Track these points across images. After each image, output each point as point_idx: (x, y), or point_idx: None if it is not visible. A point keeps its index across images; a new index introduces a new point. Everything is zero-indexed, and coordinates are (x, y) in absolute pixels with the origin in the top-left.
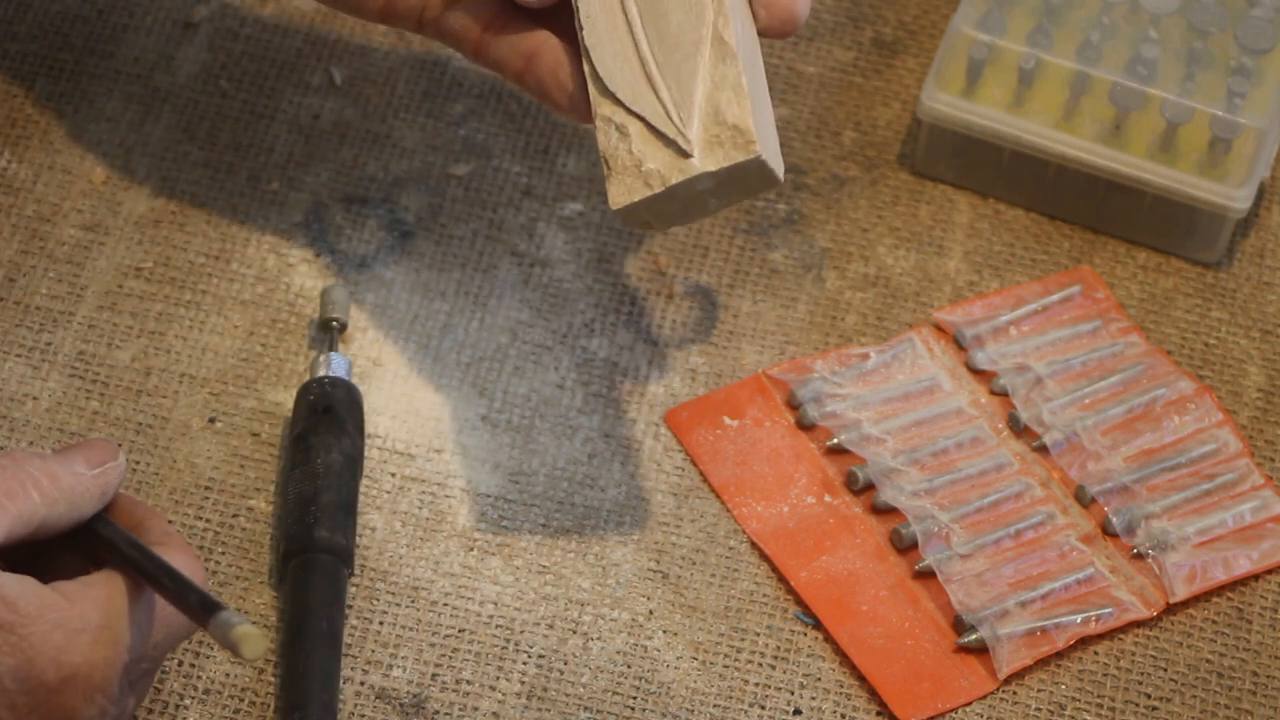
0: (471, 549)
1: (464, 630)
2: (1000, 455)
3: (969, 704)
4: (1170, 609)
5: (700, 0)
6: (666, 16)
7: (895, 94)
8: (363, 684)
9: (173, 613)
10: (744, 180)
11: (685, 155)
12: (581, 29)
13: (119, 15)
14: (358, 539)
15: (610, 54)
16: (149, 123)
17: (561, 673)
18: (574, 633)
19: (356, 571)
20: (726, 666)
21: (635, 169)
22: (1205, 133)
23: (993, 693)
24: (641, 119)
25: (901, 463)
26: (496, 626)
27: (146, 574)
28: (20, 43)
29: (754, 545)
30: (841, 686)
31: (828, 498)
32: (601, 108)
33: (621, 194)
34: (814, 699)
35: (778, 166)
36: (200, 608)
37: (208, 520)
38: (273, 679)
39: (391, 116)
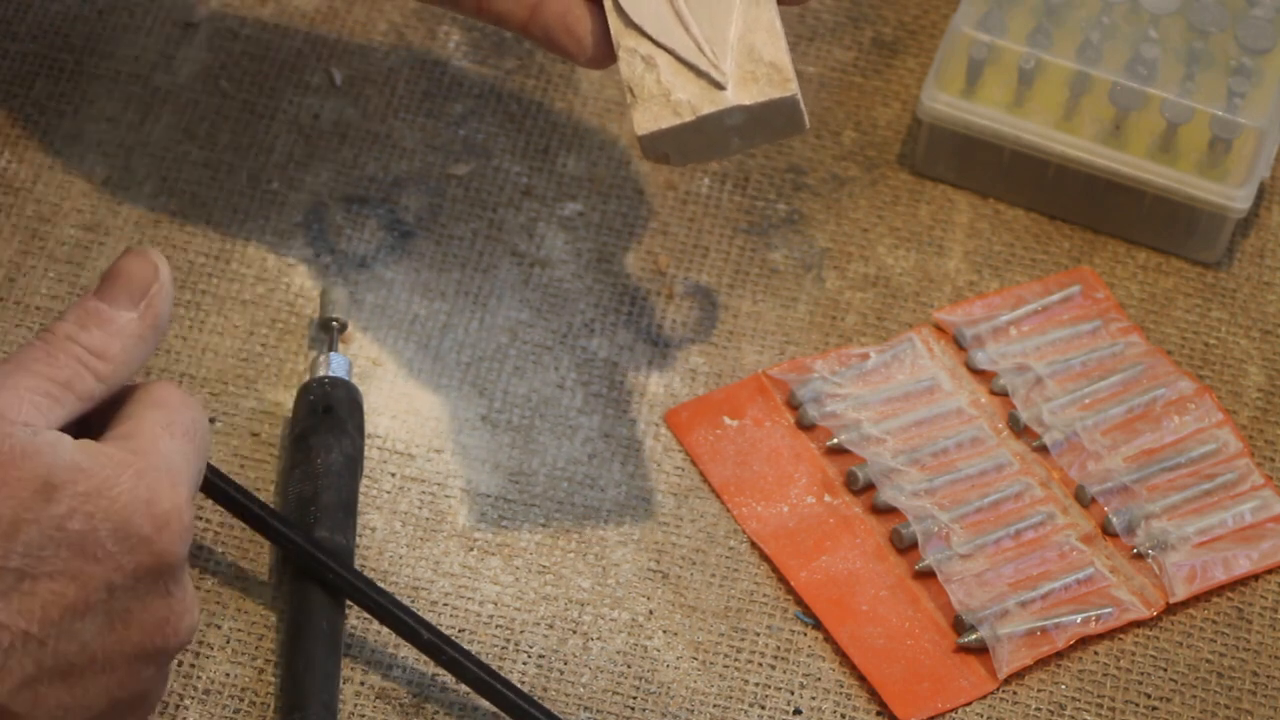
0: (471, 549)
1: (464, 630)
2: (1000, 455)
3: (969, 704)
4: (1170, 609)
5: None
6: None
7: (895, 94)
8: (363, 684)
9: (201, 428)
10: (774, 120)
11: (719, 87)
12: None
13: (119, 15)
14: (358, 539)
15: None
16: (149, 123)
17: (561, 673)
18: (574, 633)
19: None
20: (726, 666)
21: (664, 98)
22: (1205, 133)
23: (993, 693)
24: (671, 52)
25: (901, 463)
26: (496, 626)
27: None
28: (20, 43)
29: (754, 545)
30: (841, 686)
31: (828, 498)
32: (625, 39)
33: (648, 120)
34: (814, 699)
35: (806, 111)
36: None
37: (208, 520)
38: (273, 679)
39: (391, 116)
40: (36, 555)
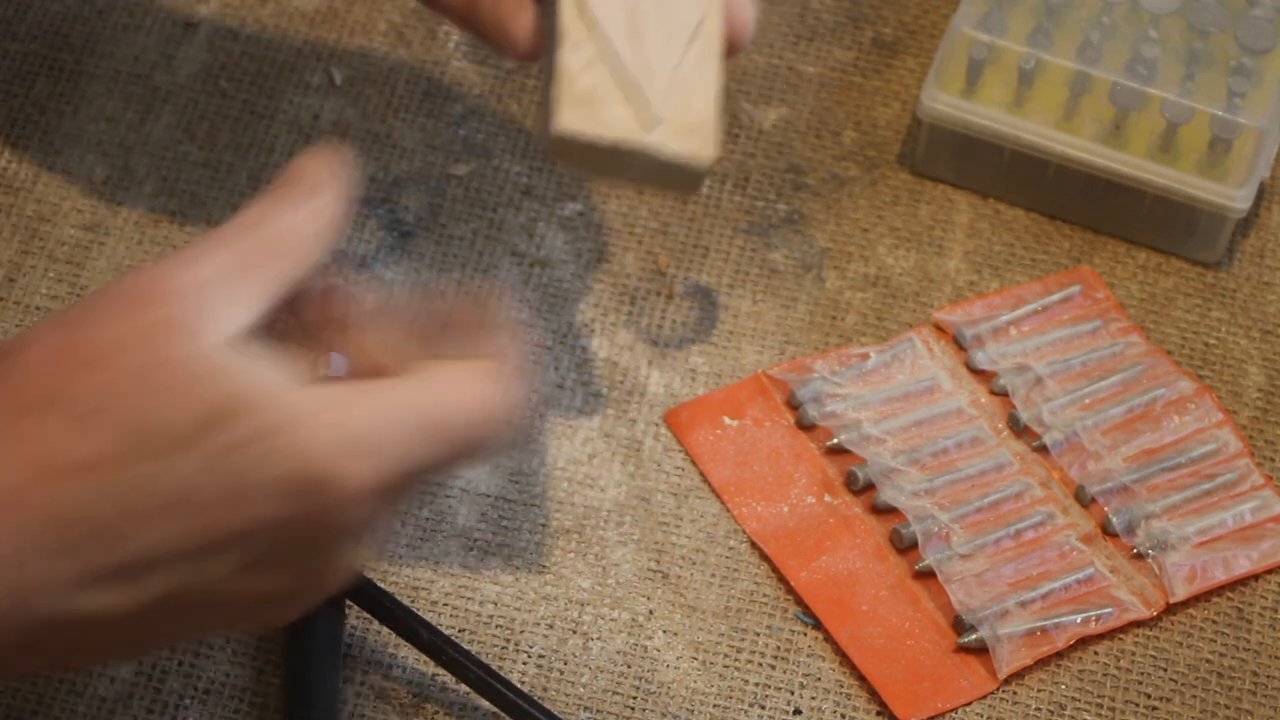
0: (471, 549)
1: (464, 630)
2: (1000, 455)
3: (969, 704)
4: (1170, 609)
5: None
6: None
7: (895, 94)
8: (363, 684)
9: (455, 426)
10: (677, 177)
11: (649, 123)
12: None
13: (119, 15)
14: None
15: None
16: (149, 123)
17: (561, 673)
18: (574, 633)
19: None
20: (726, 666)
21: (592, 105)
22: (1205, 133)
23: (993, 693)
24: (619, 63)
25: (901, 463)
26: (496, 626)
27: None
28: (20, 43)
29: (754, 545)
30: (841, 686)
31: (828, 498)
32: (576, 29)
33: (571, 121)
34: (814, 699)
35: (706, 179)
36: None
37: None
38: (273, 679)
39: (391, 116)
40: (197, 479)
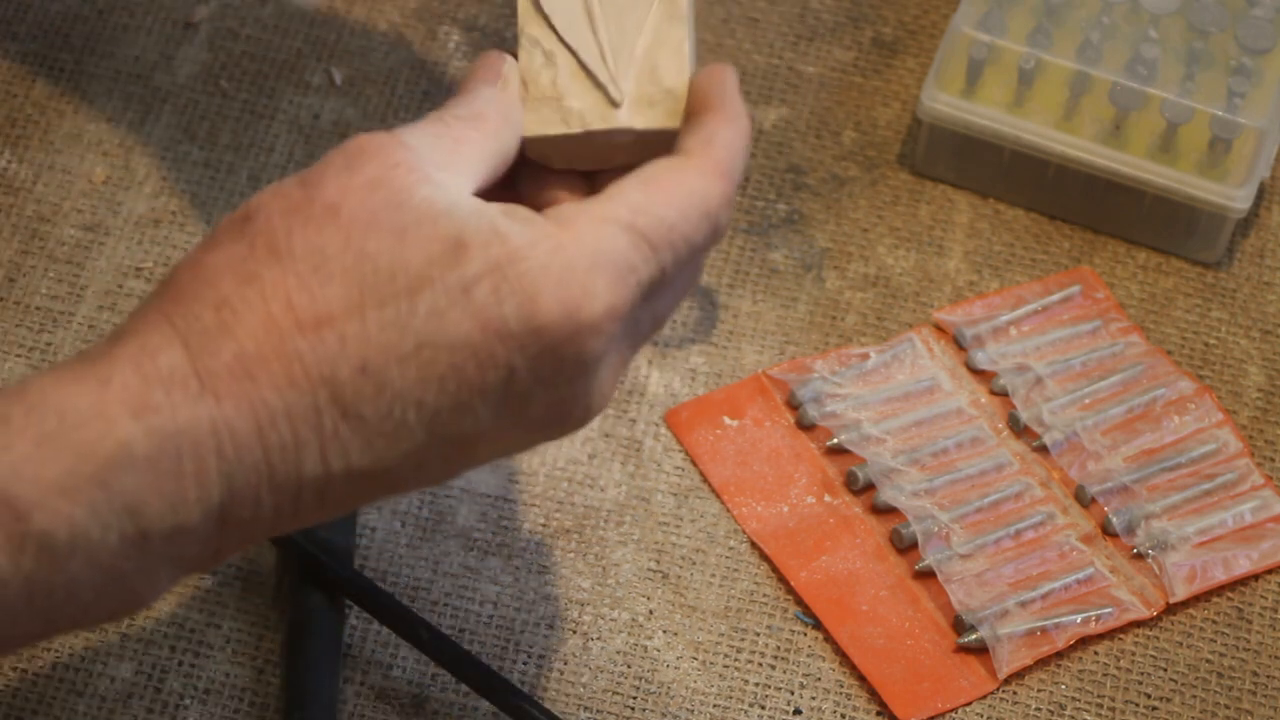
0: (471, 549)
1: (464, 630)
2: (1000, 455)
3: (969, 704)
4: (1170, 609)
5: None
6: None
7: (895, 94)
8: (363, 684)
9: (692, 234)
10: (662, 146)
11: (613, 104)
12: None
13: (119, 15)
14: (358, 539)
15: None
16: (149, 123)
17: (561, 673)
18: (574, 633)
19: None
20: (726, 666)
21: (556, 102)
22: (1205, 133)
23: (993, 693)
24: (573, 53)
25: (901, 463)
26: (496, 626)
27: None
28: (20, 43)
29: (754, 545)
30: (841, 686)
31: (828, 498)
32: (530, 26)
33: (536, 123)
34: (814, 699)
35: None
36: None
37: None
38: (273, 679)
39: (391, 116)
40: (440, 319)
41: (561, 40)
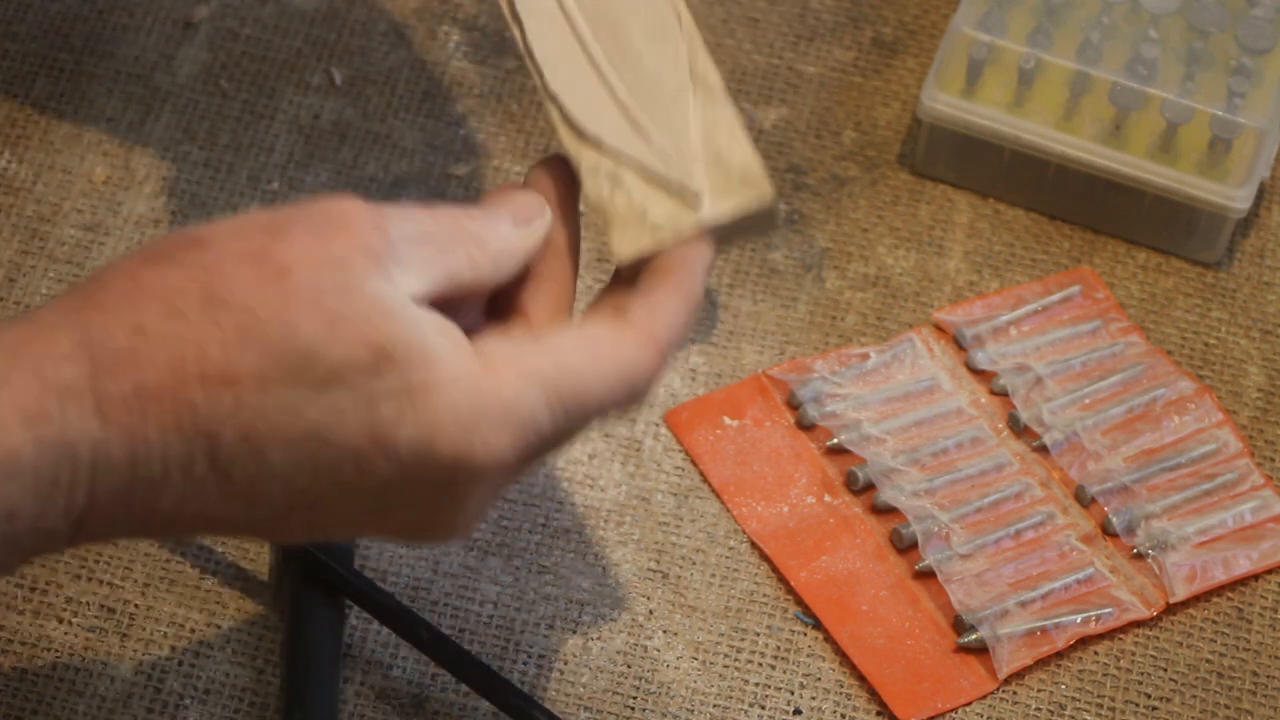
0: (471, 549)
1: (464, 630)
2: (1000, 455)
3: (969, 704)
4: (1170, 609)
5: (670, 36)
6: (639, 57)
7: (895, 94)
8: (363, 684)
9: (598, 390)
10: (753, 225)
11: (694, 202)
12: (541, 74)
13: (119, 15)
14: (357, 539)
15: (583, 99)
16: (149, 123)
17: (561, 673)
18: (574, 633)
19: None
20: (726, 666)
21: (639, 219)
22: (1205, 133)
23: (993, 693)
24: (637, 166)
25: (901, 463)
26: (496, 626)
27: None
28: (20, 43)
29: (754, 545)
30: (841, 686)
31: (828, 498)
32: (585, 157)
33: (628, 244)
34: (814, 699)
35: (780, 210)
36: None
37: None
38: (273, 679)
39: (391, 116)
40: (338, 419)
41: (620, 158)
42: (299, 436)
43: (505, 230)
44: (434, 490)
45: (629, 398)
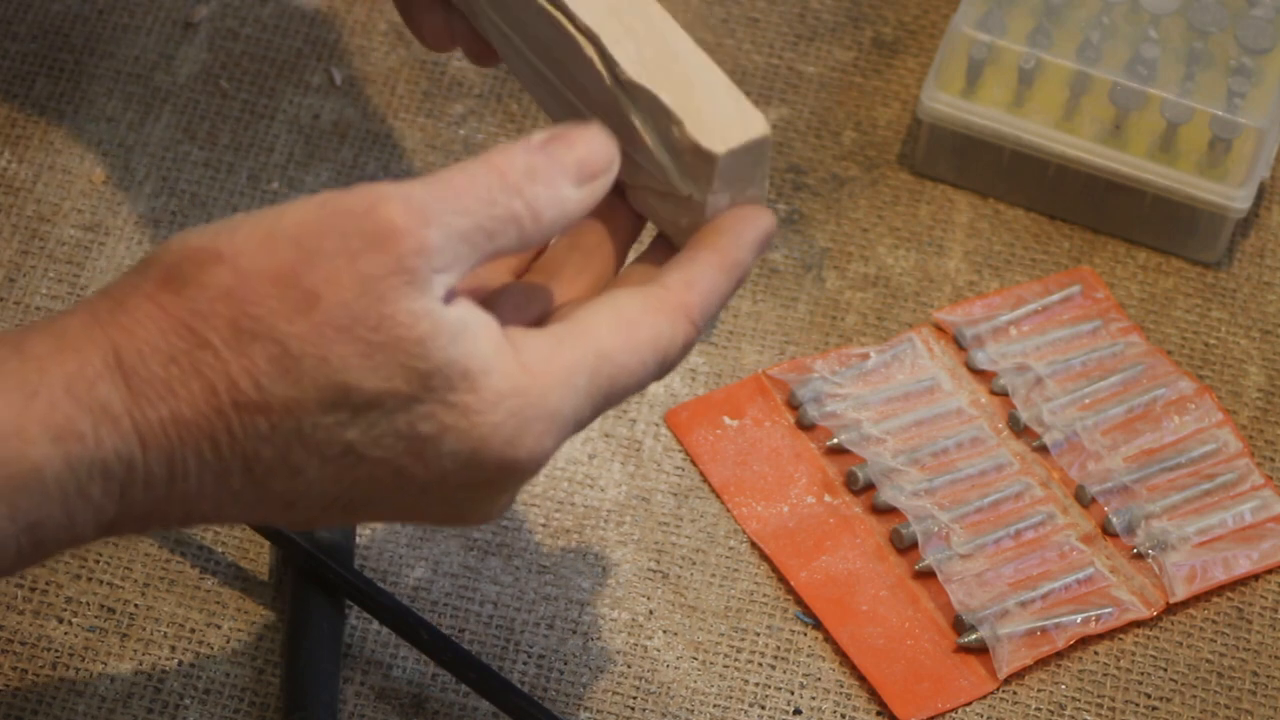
0: (471, 549)
1: (464, 630)
2: (1000, 455)
3: (969, 704)
4: (1170, 609)
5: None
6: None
7: (895, 94)
8: (363, 684)
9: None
10: (754, 161)
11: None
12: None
13: (119, 15)
14: (358, 539)
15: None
16: (149, 123)
17: (561, 673)
18: (574, 633)
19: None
20: (726, 666)
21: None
22: (1205, 133)
23: (993, 693)
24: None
25: (901, 463)
26: (496, 626)
27: None
28: (20, 43)
29: (754, 545)
30: (841, 686)
31: (828, 498)
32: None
33: (721, 141)
34: (814, 699)
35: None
36: None
37: None
38: (273, 679)
39: (391, 116)
40: (376, 438)
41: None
42: (337, 454)
43: (565, 193)
44: (473, 491)
45: (661, 370)
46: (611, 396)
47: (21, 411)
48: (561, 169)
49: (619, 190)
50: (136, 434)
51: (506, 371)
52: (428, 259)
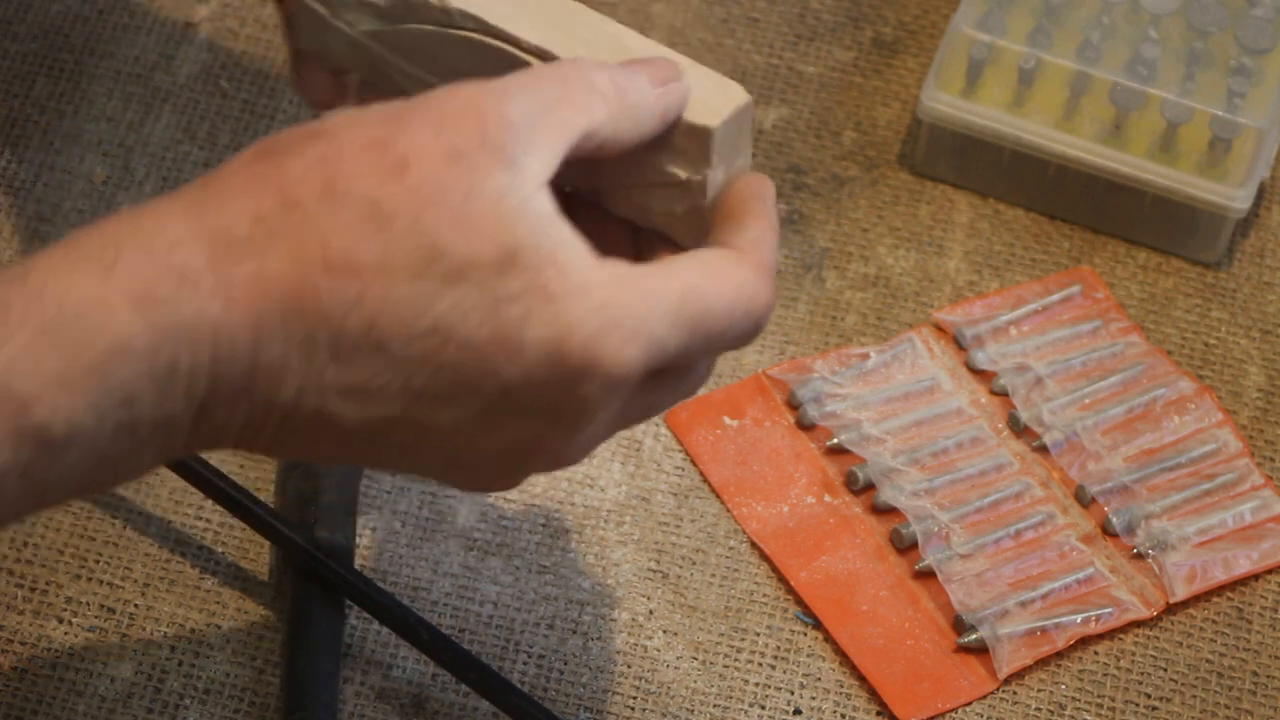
0: (471, 549)
1: (464, 630)
2: (1000, 455)
3: (969, 704)
4: (1170, 609)
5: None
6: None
7: (895, 94)
8: (363, 684)
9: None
10: (741, 129)
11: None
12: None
13: (119, 15)
14: (358, 539)
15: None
16: (149, 123)
17: (561, 673)
18: (574, 633)
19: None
20: (726, 666)
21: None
22: (1205, 133)
23: (993, 693)
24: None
25: (901, 463)
26: (496, 626)
27: None
28: (20, 43)
29: (754, 545)
30: (841, 686)
31: (828, 498)
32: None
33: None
34: (814, 699)
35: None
36: None
37: (208, 520)
38: (273, 679)
39: None
40: (463, 315)
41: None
42: (423, 331)
43: (643, 85)
44: (556, 398)
45: (749, 327)
46: (699, 333)
47: (101, 283)
48: (633, 69)
49: (600, 207)
50: (219, 294)
51: (594, 271)
52: (513, 133)
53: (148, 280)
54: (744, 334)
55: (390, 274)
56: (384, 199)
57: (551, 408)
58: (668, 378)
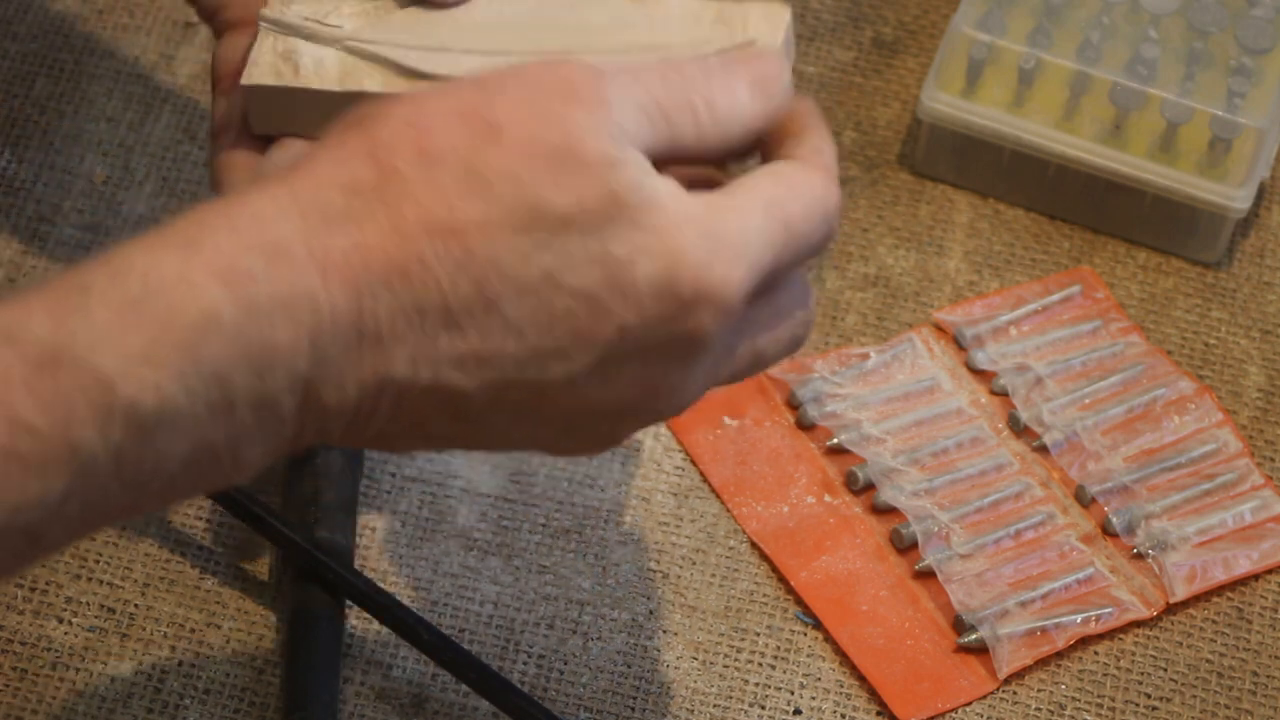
0: (471, 549)
1: (464, 630)
2: (1000, 455)
3: (969, 704)
4: (1170, 609)
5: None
6: None
7: (895, 94)
8: (363, 684)
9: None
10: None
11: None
12: None
13: (119, 15)
14: (358, 539)
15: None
16: (149, 123)
17: (561, 673)
18: (574, 633)
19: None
20: (726, 666)
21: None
22: (1205, 133)
23: (993, 693)
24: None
25: (901, 463)
26: (496, 626)
27: None
28: (20, 43)
29: (754, 545)
30: (841, 686)
31: (828, 498)
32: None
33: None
34: (814, 699)
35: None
36: None
37: (207, 520)
38: (273, 679)
39: None
40: (572, 263)
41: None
42: (532, 283)
43: (740, 95)
44: (670, 335)
45: (826, 230)
46: (787, 244)
47: (185, 260)
48: (737, 75)
49: None
50: (315, 267)
51: (690, 204)
52: (607, 106)
53: (235, 255)
54: (823, 238)
55: (494, 231)
56: (480, 161)
57: (665, 346)
58: (764, 306)
